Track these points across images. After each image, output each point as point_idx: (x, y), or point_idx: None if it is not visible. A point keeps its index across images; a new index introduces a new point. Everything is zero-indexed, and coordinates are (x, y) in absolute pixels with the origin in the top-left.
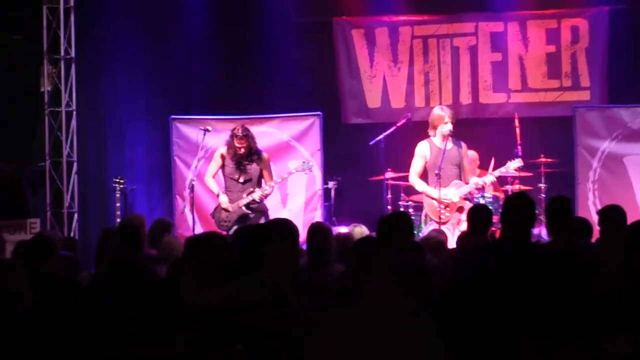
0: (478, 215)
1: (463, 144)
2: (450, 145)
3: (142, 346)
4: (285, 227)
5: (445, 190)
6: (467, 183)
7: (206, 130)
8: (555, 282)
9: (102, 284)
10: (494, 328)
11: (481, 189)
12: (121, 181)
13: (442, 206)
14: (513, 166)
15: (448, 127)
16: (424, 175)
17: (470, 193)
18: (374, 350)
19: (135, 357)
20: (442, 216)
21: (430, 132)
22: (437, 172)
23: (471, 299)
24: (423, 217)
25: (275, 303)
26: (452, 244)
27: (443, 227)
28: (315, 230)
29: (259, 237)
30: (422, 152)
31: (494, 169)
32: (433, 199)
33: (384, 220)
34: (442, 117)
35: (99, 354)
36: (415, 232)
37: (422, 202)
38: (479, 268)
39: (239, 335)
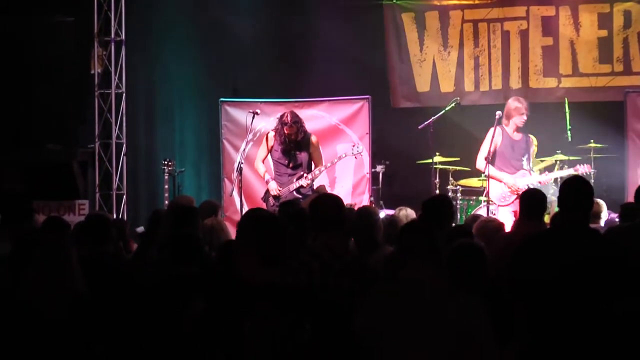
0: (533, 200)
1: (532, 137)
2: (519, 136)
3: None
4: (330, 211)
5: (513, 177)
6: (530, 174)
7: (255, 114)
8: (617, 267)
9: (160, 263)
10: (557, 317)
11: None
12: (169, 163)
13: (509, 192)
14: (581, 170)
15: (522, 119)
16: (491, 160)
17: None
18: (417, 333)
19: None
20: (504, 200)
21: (504, 122)
22: (485, 156)
23: (535, 289)
24: (482, 200)
25: (321, 286)
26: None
27: (504, 210)
28: (364, 213)
29: (301, 223)
30: (494, 137)
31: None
32: (501, 182)
33: (427, 204)
34: (519, 108)
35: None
36: (463, 215)
37: (469, 187)
38: (543, 257)
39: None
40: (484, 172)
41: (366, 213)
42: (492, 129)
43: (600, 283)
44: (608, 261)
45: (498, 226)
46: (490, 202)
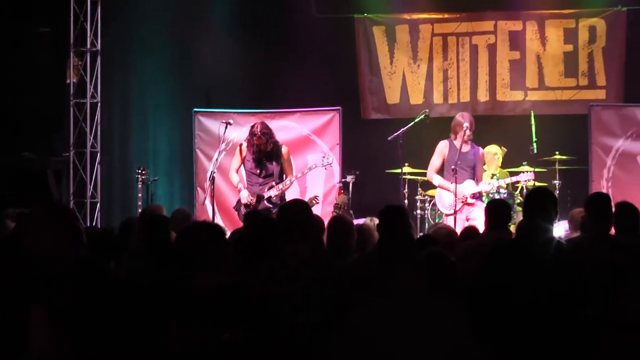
0: (497, 210)
1: (481, 150)
2: (467, 148)
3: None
4: (297, 218)
5: (460, 186)
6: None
7: (228, 124)
8: (578, 276)
9: (136, 269)
10: (524, 321)
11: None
12: (143, 172)
13: (456, 199)
14: (524, 178)
15: (466, 134)
16: (439, 173)
17: (480, 192)
18: (404, 338)
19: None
20: (450, 209)
21: (451, 136)
22: (453, 167)
23: (502, 295)
24: (436, 211)
25: (289, 292)
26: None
27: (452, 217)
28: (337, 223)
29: (271, 231)
30: (442, 150)
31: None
32: (449, 191)
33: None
34: (461, 124)
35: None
36: (430, 225)
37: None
38: (510, 265)
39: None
40: (432, 183)
41: (341, 221)
42: (440, 142)
43: (564, 290)
44: (571, 269)
45: (449, 234)
46: (438, 211)
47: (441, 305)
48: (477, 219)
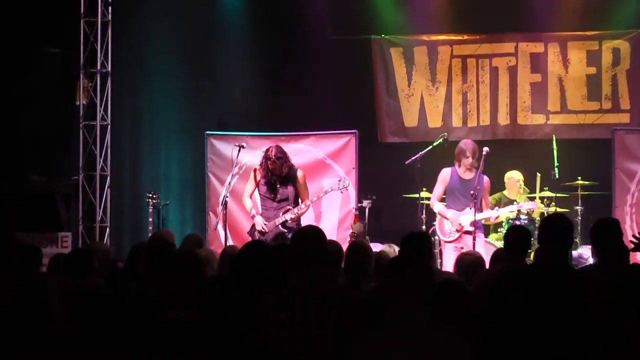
0: (517, 236)
1: (485, 179)
2: (470, 176)
3: None
4: (311, 245)
5: (459, 214)
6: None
7: (241, 147)
8: (592, 307)
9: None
10: (534, 353)
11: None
12: (154, 196)
13: (453, 227)
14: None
15: (468, 161)
16: (442, 200)
17: (481, 220)
18: None
19: None
20: (449, 236)
21: (456, 162)
22: (472, 192)
23: (512, 325)
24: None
25: (303, 322)
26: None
27: (450, 246)
28: (356, 248)
29: (282, 260)
30: (444, 178)
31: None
32: (446, 218)
33: (405, 240)
34: (464, 151)
35: None
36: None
37: None
38: (521, 293)
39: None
40: (433, 210)
41: (358, 248)
42: (443, 170)
43: (577, 322)
44: (585, 301)
45: (476, 260)
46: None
47: (441, 336)
48: (473, 248)
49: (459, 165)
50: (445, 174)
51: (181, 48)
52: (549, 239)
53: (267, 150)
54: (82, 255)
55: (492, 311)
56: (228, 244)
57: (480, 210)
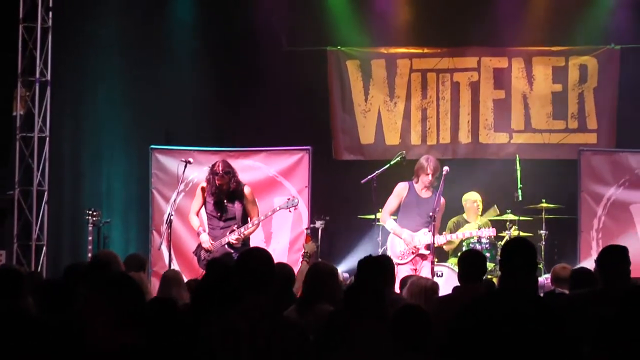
0: (471, 262)
1: (443, 200)
2: (428, 194)
3: None
4: (259, 268)
5: (413, 234)
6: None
7: (187, 162)
8: (560, 336)
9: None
10: None
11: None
12: (95, 214)
13: (407, 248)
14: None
15: (428, 179)
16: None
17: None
18: None
19: None
20: (402, 258)
21: (414, 179)
22: (431, 214)
23: (475, 353)
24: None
25: (252, 346)
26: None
27: (404, 267)
28: (317, 271)
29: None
30: (399, 192)
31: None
32: (400, 238)
33: (362, 265)
34: (424, 168)
35: None
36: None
37: None
38: (484, 321)
39: None
40: (385, 225)
41: (322, 269)
42: (399, 184)
43: (539, 351)
44: (548, 330)
45: (433, 285)
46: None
47: (405, 358)
48: (425, 274)
49: (417, 182)
50: (401, 188)
51: (126, 57)
52: (511, 266)
53: (214, 165)
54: (11, 275)
55: (456, 339)
56: (172, 267)
57: (434, 233)
